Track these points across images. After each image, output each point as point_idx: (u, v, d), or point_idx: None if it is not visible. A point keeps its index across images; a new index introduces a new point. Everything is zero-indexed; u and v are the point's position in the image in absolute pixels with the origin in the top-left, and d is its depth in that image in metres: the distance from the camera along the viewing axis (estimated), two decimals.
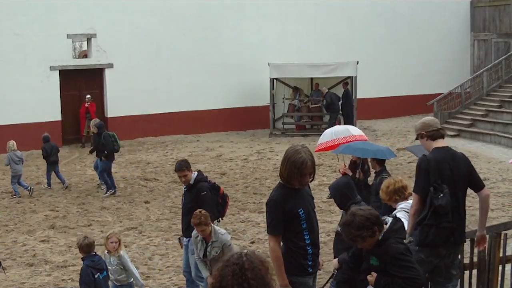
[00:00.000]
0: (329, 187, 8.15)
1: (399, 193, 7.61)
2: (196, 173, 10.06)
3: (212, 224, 8.86)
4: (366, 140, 11.91)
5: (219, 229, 8.94)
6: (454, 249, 6.97)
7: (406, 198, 7.58)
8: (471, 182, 6.96)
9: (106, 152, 16.87)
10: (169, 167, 20.15)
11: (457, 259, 7.22)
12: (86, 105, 23.77)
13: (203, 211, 8.74)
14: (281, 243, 6.42)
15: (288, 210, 6.28)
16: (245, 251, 3.63)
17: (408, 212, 7.20)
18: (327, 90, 25.28)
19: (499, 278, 7.65)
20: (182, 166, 9.92)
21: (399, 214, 7.13)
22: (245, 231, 13.65)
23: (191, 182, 9.95)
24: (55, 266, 11.70)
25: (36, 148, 22.75)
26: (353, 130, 12.10)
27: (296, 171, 6.20)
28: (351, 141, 11.40)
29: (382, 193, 7.79)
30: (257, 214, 14.70)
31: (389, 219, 5.89)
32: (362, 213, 5.73)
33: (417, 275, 5.64)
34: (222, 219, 10.65)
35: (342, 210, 7.84)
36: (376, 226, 5.69)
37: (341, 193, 7.62)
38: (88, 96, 23.86)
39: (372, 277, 5.82)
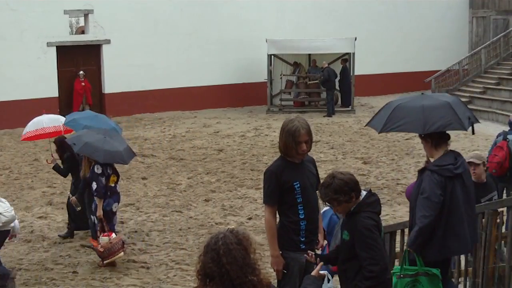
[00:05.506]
0: None
1: None
2: None
3: None
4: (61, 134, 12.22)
5: None
6: None
7: None
8: None
9: None
10: (166, 143, 20.15)
11: None
12: (82, 83, 23.66)
13: None
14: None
15: (283, 182, 6.33)
16: (223, 233, 3.72)
17: None
18: (327, 65, 25.18)
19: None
20: None
21: None
22: (242, 207, 13.68)
23: None
24: (52, 243, 11.73)
25: None
26: (47, 123, 12.37)
27: (291, 139, 6.24)
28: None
29: None
30: (254, 191, 14.71)
31: (364, 192, 5.76)
32: (341, 177, 5.60)
33: (376, 256, 5.45)
34: None
35: None
36: (354, 192, 5.58)
37: None
38: (81, 72, 23.74)
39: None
